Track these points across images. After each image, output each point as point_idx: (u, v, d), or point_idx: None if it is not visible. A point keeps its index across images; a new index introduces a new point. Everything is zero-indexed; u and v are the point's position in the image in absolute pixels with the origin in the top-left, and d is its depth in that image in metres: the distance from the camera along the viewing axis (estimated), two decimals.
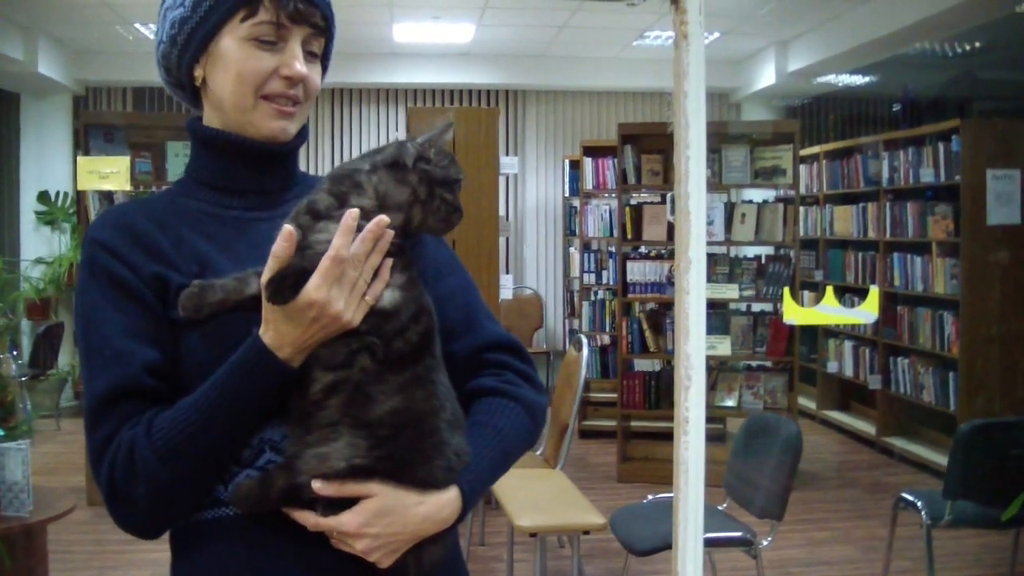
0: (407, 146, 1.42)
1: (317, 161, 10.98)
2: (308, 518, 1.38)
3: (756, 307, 7.40)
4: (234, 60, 1.50)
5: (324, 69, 1.62)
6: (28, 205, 10.02)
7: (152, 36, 8.83)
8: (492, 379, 1.57)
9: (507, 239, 10.90)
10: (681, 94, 3.40)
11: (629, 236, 7.30)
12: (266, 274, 1.35)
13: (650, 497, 4.63)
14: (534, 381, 1.61)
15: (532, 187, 11.18)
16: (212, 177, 1.58)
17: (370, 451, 1.36)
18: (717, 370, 7.22)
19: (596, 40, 9.71)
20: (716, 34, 9.23)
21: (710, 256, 7.07)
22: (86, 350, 1.44)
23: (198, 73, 1.55)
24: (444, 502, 1.41)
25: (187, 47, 1.54)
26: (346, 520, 1.36)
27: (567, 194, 10.19)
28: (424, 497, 1.39)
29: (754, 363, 7.31)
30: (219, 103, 1.54)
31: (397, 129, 10.76)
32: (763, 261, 7.26)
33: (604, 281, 8.91)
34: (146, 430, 1.37)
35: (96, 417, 1.40)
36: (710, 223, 6.97)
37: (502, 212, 10.61)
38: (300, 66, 1.49)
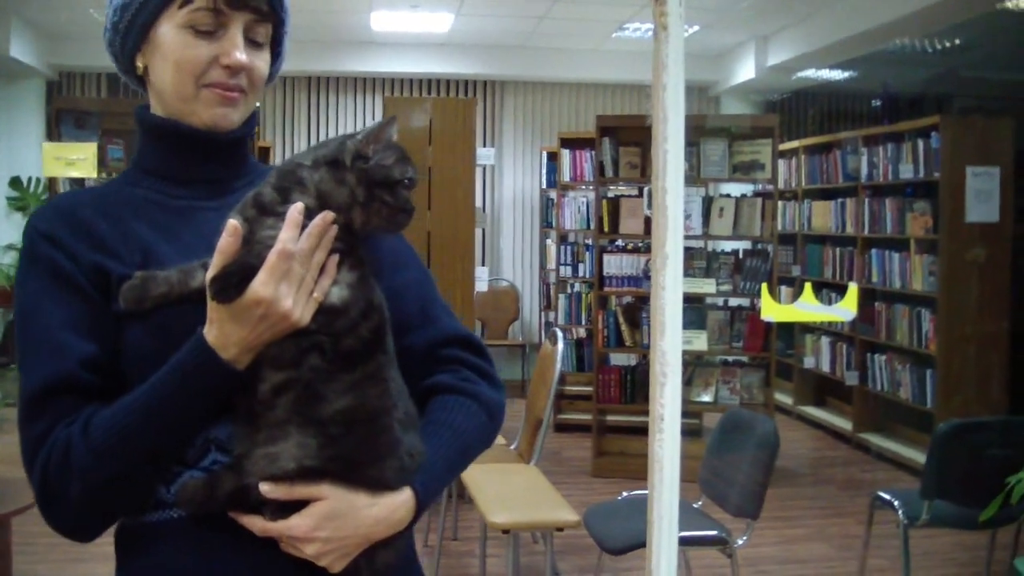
0: (347, 143, 1.35)
1: (294, 151, 10.84)
2: (256, 523, 1.33)
3: (733, 302, 7.36)
4: (171, 49, 1.44)
5: (276, 56, 1.56)
6: (0, 191, 9.89)
7: None
8: (448, 376, 1.52)
9: (483, 231, 10.83)
10: (660, 87, 3.34)
11: (606, 229, 7.25)
12: (211, 271, 1.29)
13: (624, 494, 4.58)
14: (492, 377, 1.57)
15: (509, 178, 11.09)
16: (158, 166, 1.52)
17: (320, 451, 1.31)
18: (693, 365, 7.18)
19: (576, 32, 9.64)
20: (696, 27, 9.18)
21: (687, 250, 7.04)
22: (22, 342, 1.38)
23: (140, 62, 1.50)
24: (397, 504, 1.37)
25: (128, 35, 1.48)
26: (295, 524, 1.31)
27: (544, 186, 10.13)
28: (376, 499, 1.35)
29: (731, 358, 7.27)
30: (161, 92, 1.48)
31: (374, 119, 10.66)
32: (741, 256, 7.23)
33: (580, 274, 8.86)
34: (82, 428, 1.31)
35: (30, 412, 1.34)
36: (688, 217, 6.93)
37: (479, 203, 10.58)
38: (239, 54, 1.44)
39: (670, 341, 3.29)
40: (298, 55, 10.17)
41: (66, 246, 1.40)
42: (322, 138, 10.72)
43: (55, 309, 1.37)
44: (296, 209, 1.31)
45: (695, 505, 4.36)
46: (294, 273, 1.30)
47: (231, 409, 1.35)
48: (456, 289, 6.46)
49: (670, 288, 3.35)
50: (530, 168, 11.01)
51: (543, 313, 10.40)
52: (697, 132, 7.15)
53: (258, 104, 1.60)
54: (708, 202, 7.16)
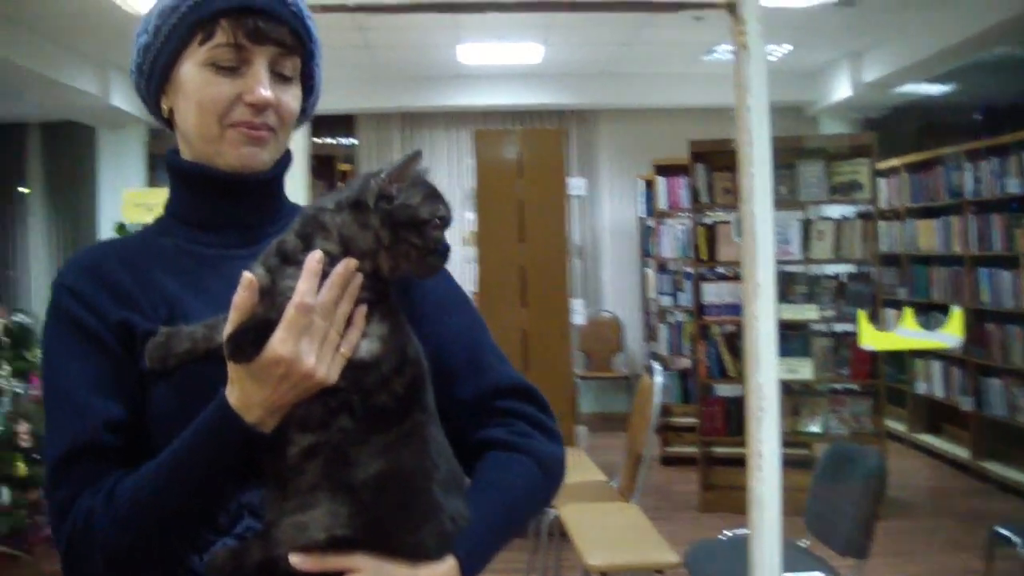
0: (370, 182, 1.24)
1: None
2: None
3: (838, 327, 7.10)
4: (193, 88, 1.36)
5: (310, 91, 1.47)
6: (107, 237, 10.03)
7: None
8: (500, 430, 1.40)
9: (581, 262, 10.73)
10: (743, 108, 3.18)
11: (703, 257, 7.10)
12: (227, 328, 1.19)
13: (727, 533, 4.41)
14: (549, 430, 1.44)
15: (607, 208, 10.96)
16: (188, 212, 1.44)
17: (352, 519, 1.20)
18: (799, 394, 6.95)
19: (664, 56, 9.51)
20: (787, 47, 8.98)
21: (788, 276, 6.85)
22: (47, 403, 1.33)
23: (164, 104, 1.42)
24: (438, 574, 1.25)
25: (151, 77, 1.41)
26: None
27: (642, 214, 10.00)
28: (415, 569, 1.23)
29: (838, 386, 7.02)
30: (186, 134, 1.40)
31: (465, 152, 10.63)
32: (843, 279, 6.98)
33: (681, 303, 8.69)
34: (105, 498, 1.24)
35: (54, 479, 1.28)
36: (786, 242, 6.74)
37: (575, 235, 10.47)
38: (263, 91, 1.35)
39: (766, 374, 3.13)
40: (389, 91, 10.34)
41: (90, 302, 1.34)
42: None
43: (79, 368, 1.31)
44: (314, 258, 1.21)
45: (801, 543, 4.16)
46: (316, 328, 1.20)
47: (263, 474, 1.26)
48: (552, 323, 6.36)
49: (763, 318, 3.19)
50: (627, 197, 10.85)
51: (646, 344, 10.24)
52: (793, 154, 6.96)
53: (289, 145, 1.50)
54: (807, 225, 6.95)
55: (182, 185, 1.45)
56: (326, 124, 11.01)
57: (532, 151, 6.48)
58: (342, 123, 11.06)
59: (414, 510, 1.23)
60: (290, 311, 1.19)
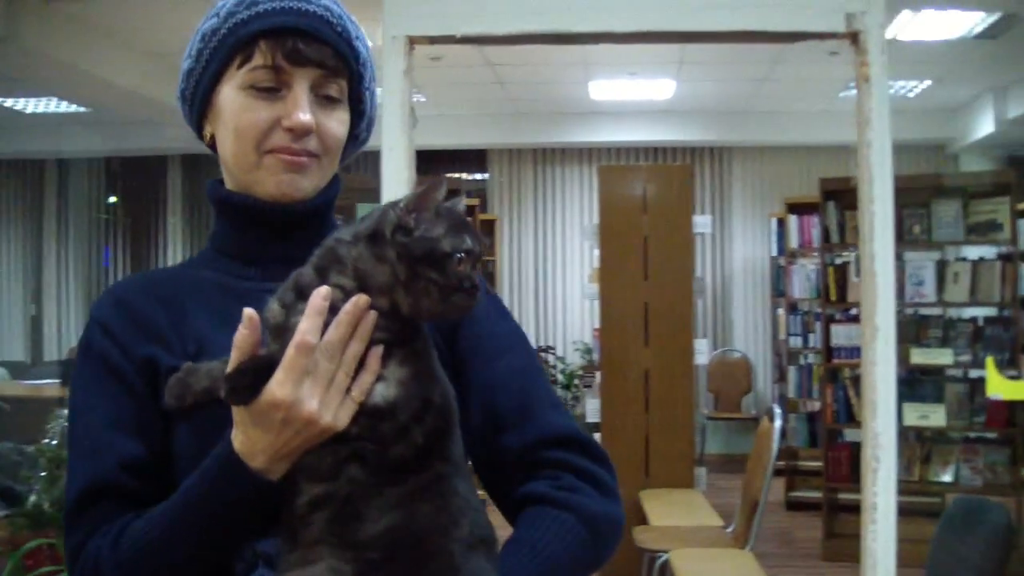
0: (389, 213, 1.15)
1: (521, 226, 10.92)
2: None
3: (973, 373, 6.82)
4: (231, 113, 1.31)
5: (361, 116, 1.41)
6: None
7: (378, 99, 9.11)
8: (544, 484, 1.28)
9: (712, 301, 10.59)
10: (864, 144, 3.08)
11: (833, 298, 6.90)
12: (228, 368, 1.13)
13: None
14: (602, 484, 1.31)
15: (739, 246, 10.81)
16: (230, 245, 1.39)
17: None
18: (931, 442, 6.69)
19: (800, 93, 9.34)
20: (927, 82, 8.73)
21: (921, 318, 6.62)
22: (70, 439, 1.30)
23: (207, 131, 1.37)
24: None
25: (194, 103, 1.37)
26: None
27: (774, 253, 9.84)
28: None
29: (972, 434, 6.72)
30: (226, 162, 1.35)
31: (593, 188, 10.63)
32: (980, 323, 6.70)
33: (811, 344, 8.48)
34: (113, 541, 1.20)
35: (70, 520, 1.25)
36: (920, 283, 6.51)
37: (704, 273, 10.36)
38: (303, 115, 1.28)
39: (883, 422, 3.01)
40: (522, 127, 10.39)
41: (118, 337, 1.30)
42: (548, 211, 10.82)
43: (102, 405, 1.28)
44: (319, 294, 1.13)
45: None
46: (320, 370, 1.12)
47: (277, 521, 1.18)
48: (675, 362, 6.24)
49: (881, 363, 3.07)
50: (760, 235, 10.67)
51: (776, 385, 10.03)
52: (929, 192, 6.72)
53: (337, 171, 1.44)
54: (942, 266, 6.69)
55: (223, 216, 1.40)
56: (456, 158, 11.09)
57: (657, 187, 6.38)
58: (473, 158, 11.12)
59: (428, 571, 1.12)
60: (290, 351, 1.11)
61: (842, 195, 6.93)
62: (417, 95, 9.43)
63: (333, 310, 1.13)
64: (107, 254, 11.45)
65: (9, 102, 9.43)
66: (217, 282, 1.35)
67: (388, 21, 3.58)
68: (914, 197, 6.63)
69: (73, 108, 9.52)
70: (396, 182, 3.54)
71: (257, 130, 1.30)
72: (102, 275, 11.44)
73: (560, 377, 10.40)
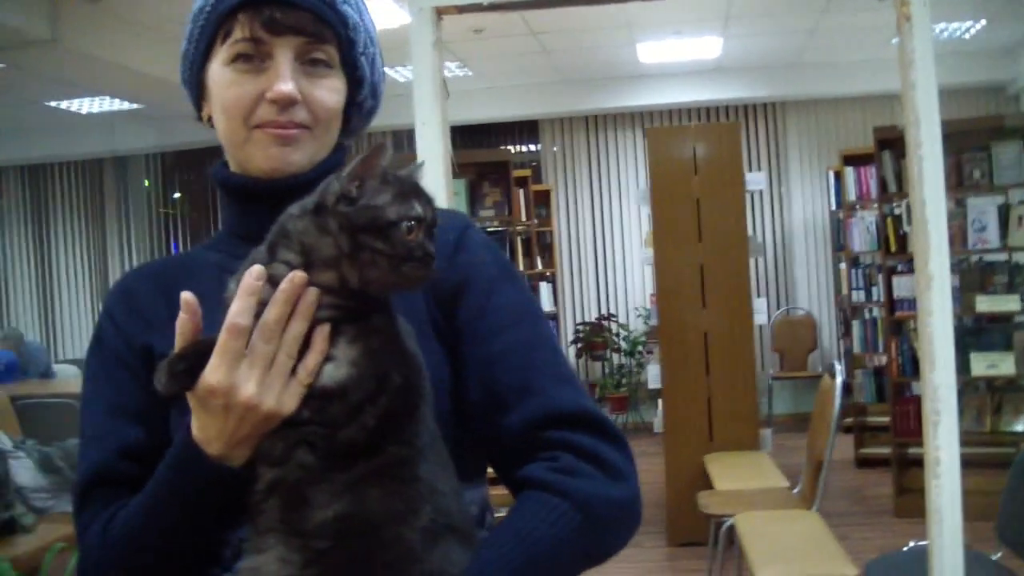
0: (333, 182, 1.10)
1: (577, 194, 10.88)
2: None
3: None
4: (218, 90, 1.29)
5: (360, 81, 1.37)
6: None
7: (401, 79, 8.92)
8: (540, 466, 1.19)
9: (771, 259, 10.47)
10: (908, 87, 2.98)
11: (893, 249, 6.77)
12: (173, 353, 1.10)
13: (912, 543, 4.12)
14: (609, 465, 1.20)
15: (798, 202, 10.64)
16: (234, 224, 1.37)
17: (303, 570, 1.05)
18: (1002, 391, 6.54)
19: (851, 42, 9.16)
20: (982, 21, 8.52)
21: (985, 265, 6.47)
22: (80, 424, 1.30)
23: (204, 112, 1.35)
24: None
25: (191, 86, 1.35)
26: None
27: (833, 207, 9.69)
28: None
29: None
30: (222, 141, 1.32)
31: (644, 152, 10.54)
32: None
33: (874, 298, 8.33)
34: (102, 528, 1.20)
35: (76, 506, 1.26)
36: (982, 229, 6.35)
37: (764, 231, 10.24)
38: (284, 85, 1.25)
39: (942, 374, 2.92)
40: (573, 94, 10.34)
41: (121, 326, 1.32)
42: (603, 179, 10.76)
43: (107, 392, 1.29)
44: (251, 274, 1.08)
45: (993, 557, 3.84)
46: (257, 352, 1.08)
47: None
48: (734, 324, 6.17)
49: (938, 313, 2.98)
50: (818, 190, 10.52)
51: (841, 341, 9.89)
52: (989, 135, 6.56)
53: (346, 142, 1.41)
54: (1006, 210, 6.52)
55: (225, 196, 1.38)
56: (507, 130, 11.05)
57: (706, 147, 6.29)
58: (524, 129, 11.08)
59: (379, 562, 1.06)
60: (222, 335, 1.08)
61: (897, 143, 6.77)
62: (463, 69, 9.43)
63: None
64: (175, 249, 11.58)
65: (64, 104, 9.55)
66: (220, 264, 1.31)
67: None
68: (973, 140, 6.47)
69: (127, 105, 9.62)
70: (431, 157, 3.50)
71: (243, 105, 1.27)
72: None
73: (623, 344, 10.35)
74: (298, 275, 1.08)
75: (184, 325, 1.09)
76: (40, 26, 6.45)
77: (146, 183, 11.59)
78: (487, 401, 1.24)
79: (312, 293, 1.09)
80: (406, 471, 1.10)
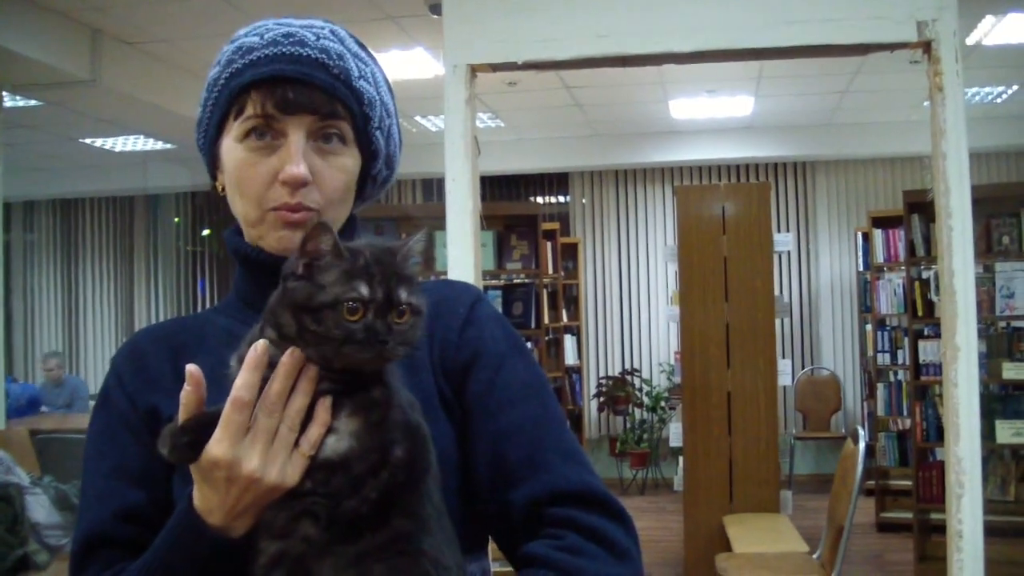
0: (290, 258, 1.11)
1: (604, 248, 10.89)
2: None
3: None
4: (231, 167, 1.28)
5: (376, 155, 1.36)
6: None
7: (433, 128, 8.98)
8: (545, 544, 1.17)
9: (792, 319, 10.43)
10: (939, 156, 3.00)
11: (920, 313, 6.73)
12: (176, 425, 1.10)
13: None
14: (614, 545, 1.18)
15: (825, 262, 10.61)
16: (245, 291, 1.36)
17: None
18: None
19: (882, 104, 9.17)
20: (1015, 86, 8.52)
21: (1013, 332, 6.43)
22: (81, 482, 1.28)
23: (219, 182, 1.34)
24: None
25: (205, 153, 1.34)
26: None
27: (860, 268, 9.66)
28: None
29: None
30: (235, 215, 1.32)
31: (672, 208, 10.53)
32: None
33: (900, 361, 8.29)
34: None
35: (73, 567, 1.24)
36: (1010, 296, 6.31)
37: (793, 291, 10.22)
38: (294, 168, 1.23)
39: (966, 446, 2.91)
40: (604, 148, 10.36)
41: (127, 386, 1.30)
42: (631, 233, 10.75)
43: (110, 453, 1.28)
44: (255, 348, 1.08)
45: None
46: (260, 426, 1.07)
47: None
48: (758, 384, 6.15)
49: (964, 385, 2.97)
50: (846, 250, 10.50)
51: (865, 403, 9.83)
52: (1019, 200, 6.53)
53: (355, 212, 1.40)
54: None
55: (238, 264, 1.37)
56: (537, 182, 11.10)
57: (736, 206, 6.30)
58: (554, 181, 11.12)
59: None
60: (226, 408, 1.07)
61: (927, 207, 6.75)
62: (495, 120, 9.48)
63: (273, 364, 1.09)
64: (202, 286, 11.64)
65: (98, 142, 9.65)
66: (229, 330, 1.30)
67: (448, 50, 3.57)
68: (1003, 206, 6.45)
69: (160, 145, 9.71)
70: (460, 212, 3.53)
71: (256, 188, 1.27)
72: (192, 308, 11.63)
73: (646, 400, 10.31)
74: (296, 351, 1.08)
75: (188, 397, 1.09)
76: (80, 66, 6.53)
77: (176, 220, 11.69)
78: (494, 476, 1.23)
79: (312, 368, 1.09)
80: (411, 545, 1.09)
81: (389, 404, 1.12)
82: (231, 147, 1.28)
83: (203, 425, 1.08)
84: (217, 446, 1.06)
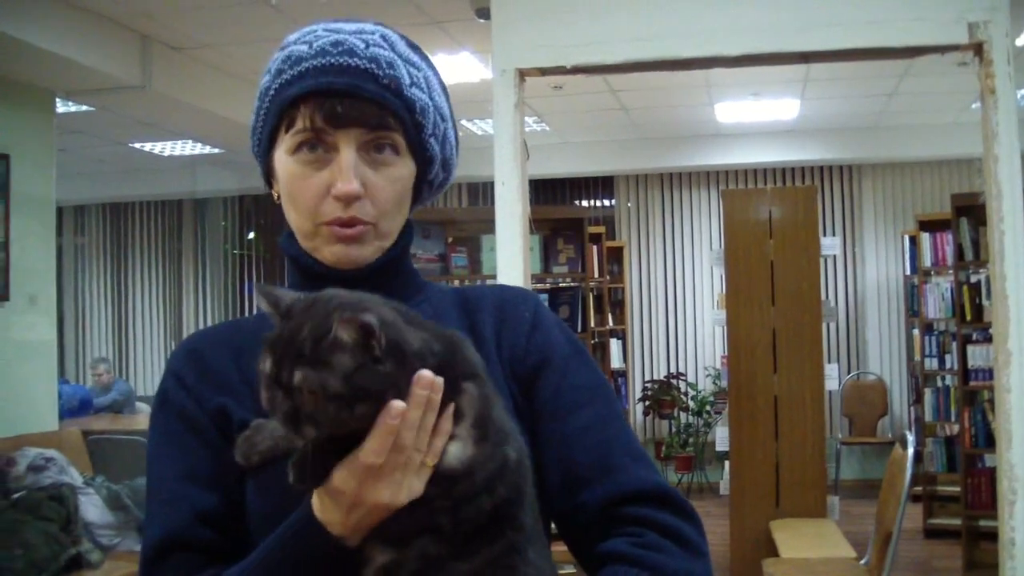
0: None
1: (650, 252, 10.90)
2: None
3: None
4: (285, 181, 1.28)
5: (430, 161, 1.34)
6: None
7: (479, 132, 9.00)
8: (624, 541, 1.19)
9: (843, 324, 10.36)
10: (990, 159, 2.99)
11: (968, 317, 6.68)
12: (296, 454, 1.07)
13: None
14: (688, 542, 1.21)
15: (872, 266, 10.54)
16: None
17: None
18: None
19: (930, 106, 9.09)
20: None
21: None
22: (147, 489, 1.27)
23: (275, 190, 1.34)
24: None
25: (260, 161, 1.34)
26: None
27: (907, 272, 9.59)
28: None
29: None
30: (291, 226, 1.32)
31: (717, 211, 10.49)
32: None
33: (948, 366, 8.21)
34: None
35: (146, 570, 1.21)
36: None
37: (836, 295, 10.15)
38: (346, 185, 1.23)
39: (1019, 453, 2.89)
40: (649, 151, 10.34)
41: (191, 387, 1.28)
42: (677, 237, 10.73)
43: (178, 455, 1.25)
44: (390, 413, 1.01)
45: None
46: (390, 463, 1.04)
47: None
48: (805, 389, 6.12)
49: (1016, 390, 2.95)
50: (892, 254, 10.43)
51: (912, 408, 9.75)
52: None
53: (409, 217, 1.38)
54: None
55: (294, 270, 1.36)
56: (582, 185, 11.11)
57: (782, 210, 6.28)
58: (600, 185, 11.12)
59: None
60: (355, 462, 1.03)
61: (975, 211, 6.71)
62: (541, 124, 9.49)
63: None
64: (249, 289, 11.74)
65: (148, 146, 9.75)
66: None
67: (497, 54, 3.59)
68: None
69: (208, 149, 9.80)
70: (509, 216, 3.55)
71: (309, 202, 1.26)
72: (239, 311, 11.73)
73: (691, 404, 10.28)
74: (426, 374, 1.04)
75: None
76: (130, 72, 6.60)
77: (223, 224, 11.80)
78: (565, 478, 1.24)
79: (439, 384, 1.05)
80: (519, 558, 1.08)
81: (497, 404, 1.12)
82: (283, 159, 1.28)
83: (323, 455, 1.05)
84: (344, 483, 1.04)
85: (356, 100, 1.24)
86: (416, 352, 1.05)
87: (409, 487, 1.05)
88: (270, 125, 1.29)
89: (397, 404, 1.02)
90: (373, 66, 1.26)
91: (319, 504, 1.08)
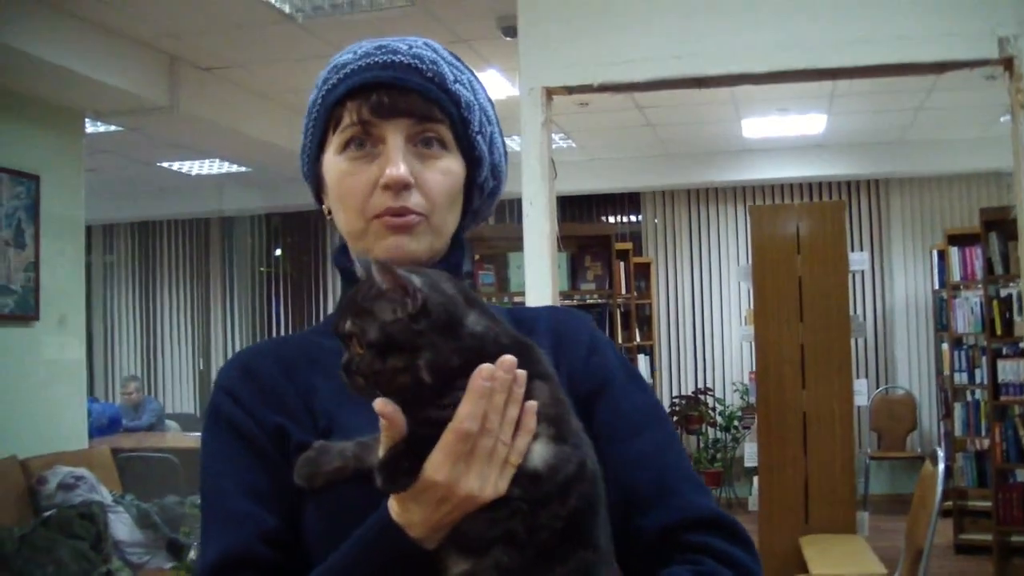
0: None
1: (677, 268, 10.89)
2: None
3: None
4: (333, 181, 1.28)
5: (478, 161, 1.33)
6: None
7: (517, 147, 9.07)
8: (685, 569, 1.18)
9: (871, 339, 10.31)
10: (1021, 173, 3.00)
11: (998, 332, 6.65)
12: (380, 452, 1.06)
13: None
14: (746, 570, 1.21)
15: (900, 281, 10.49)
16: None
17: None
18: None
19: (958, 120, 9.05)
20: None
21: None
22: (203, 508, 1.25)
23: (325, 204, 1.34)
24: None
25: (310, 177, 1.34)
26: None
27: (936, 287, 9.54)
28: None
29: None
30: (342, 233, 1.31)
31: (745, 228, 10.46)
32: None
33: (977, 380, 8.16)
34: None
35: None
36: None
37: (867, 309, 10.12)
38: (395, 169, 1.22)
39: None
40: (676, 167, 10.35)
41: (246, 404, 1.26)
42: (704, 253, 10.71)
43: (236, 474, 1.23)
44: (481, 374, 1.03)
45: None
46: (479, 448, 1.04)
47: None
48: (834, 404, 6.09)
49: None
50: (921, 268, 10.38)
51: (941, 423, 9.68)
52: None
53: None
54: None
55: (346, 283, 1.34)
56: (609, 201, 11.12)
57: (810, 226, 6.26)
58: (626, 201, 11.13)
59: None
60: (449, 436, 1.03)
61: (1005, 225, 6.69)
62: (567, 141, 9.50)
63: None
64: (276, 307, 11.81)
65: (175, 166, 9.82)
66: (338, 351, 1.21)
67: (524, 72, 3.60)
68: None
69: (236, 168, 9.86)
70: (538, 234, 3.56)
71: (358, 197, 1.26)
72: (267, 328, 11.79)
73: (719, 419, 10.25)
74: (509, 359, 1.04)
75: (394, 426, 1.05)
76: (158, 92, 6.66)
77: (250, 242, 11.87)
78: (623, 502, 1.22)
79: (522, 375, 1.06)
80: None
81: (566, 404, 1.11)
82: (332, 160, 1.28)
83: (412, 452, 1.05)
84: (437, 472, 1.04)
85: (401, 91, 1.25)
86: (474, 333, 1.06)
87: (495, 483, 1.05)
88: (319, 132, 1.30)
89: (486, 366, 1.03)
90: (416, 61, 1.27)
91: (398, 507, 1.08)
